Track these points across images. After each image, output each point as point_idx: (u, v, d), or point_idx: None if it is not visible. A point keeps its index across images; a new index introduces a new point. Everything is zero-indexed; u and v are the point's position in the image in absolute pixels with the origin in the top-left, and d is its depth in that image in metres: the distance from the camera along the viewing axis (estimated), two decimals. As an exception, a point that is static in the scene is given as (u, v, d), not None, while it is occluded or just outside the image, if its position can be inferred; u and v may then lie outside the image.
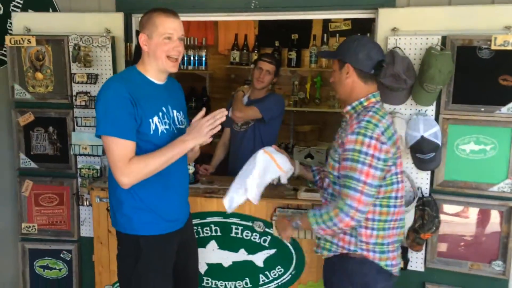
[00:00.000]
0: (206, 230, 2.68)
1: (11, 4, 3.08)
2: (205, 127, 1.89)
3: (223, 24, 5.01)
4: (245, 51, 4.89)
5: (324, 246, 2.00)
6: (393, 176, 1.87)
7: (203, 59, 4.96)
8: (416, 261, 2.63)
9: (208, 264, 2.71)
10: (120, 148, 1.84)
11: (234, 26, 4.96)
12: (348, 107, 1.95)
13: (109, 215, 2.36)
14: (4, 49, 3.10)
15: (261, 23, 4.92)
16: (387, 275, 1.92)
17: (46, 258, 3.10)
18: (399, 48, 2.52)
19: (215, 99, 5.21)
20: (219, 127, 1.93)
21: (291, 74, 4.97)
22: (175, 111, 2.07)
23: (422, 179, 2.58)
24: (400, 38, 2.53)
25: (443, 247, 2.64)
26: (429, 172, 2.57)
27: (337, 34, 4.54)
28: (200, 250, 2.68)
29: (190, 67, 4.92)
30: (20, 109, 3.00)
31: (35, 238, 3.10)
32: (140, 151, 1.90)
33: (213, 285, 2.71)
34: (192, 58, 4.89)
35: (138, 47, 3.01)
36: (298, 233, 2.48)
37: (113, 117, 1.85)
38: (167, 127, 1.99)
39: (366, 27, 4.14)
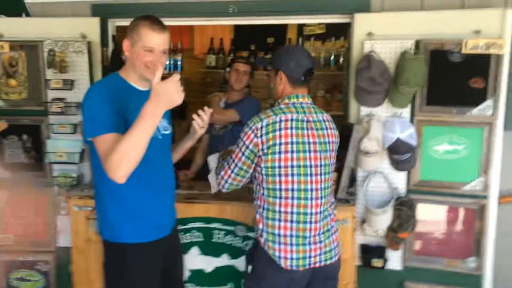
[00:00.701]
0: (188, 236, 2.67)
1: (-18, 9, 3.01)
2: (175, 90, 1.68)
3: (198, 28, 5.01)
4: (221, 55, 4.90)
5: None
6: (275, 169, 1.98)
7: (179, 63, 4.94)
8: (395, 260, 2.69)
9: (191, 270, 2.69)
10: (106, 144, 1.75)
11: (210, 30, 4.96)
12: None
13: (89, 224, 2.31)
14: (-25, 55, 3.02)
15: (237, 27, 4.94)
16: (277, 267, 1.99)
17: (22, 269, 3.03)
18: (375, 52, 2.58)
19: (192, 103, 5.17)
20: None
21: (267, 78, 5.00)
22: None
23: (399, 180, 2.65)
24: (375, 42, 2.59)
25: (419, 245, 2.71)
26: (405, 172, 2.64)
27: (312, 38, 4.61)
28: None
29: (165, 71, 4.86)
30: (-7, 117, 2.93)
31: (10, 249, 3.01)
32: None
33: (196, 291, 2.71)
34: (168, 62, 4.86)
35: (114, 52, 2.99)
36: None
37: (94, 118, 1.81)
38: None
39: (340, 29, 4.24)
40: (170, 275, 2.17)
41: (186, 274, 2.70)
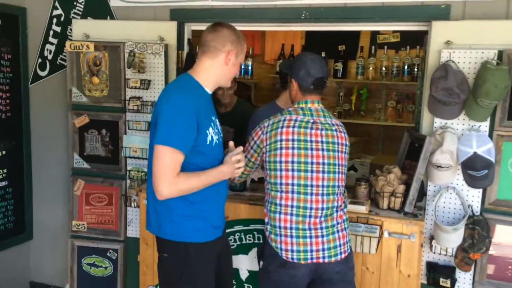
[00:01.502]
0: (249, 237, 2.70)
1: (72, 11, 3.25)
2: (235, 170, 2.07)
3: (270, 33, 5.07)
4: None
5: None
6: (276, 164, 2.08)
7: (249, 68, 5.02)
8: (464, 282, 2.55)
9: (249, 271, 2.72)
10: (173, 160, 1.84)
11: (281, 36, 5.00)
12: None
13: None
14: (63, 54, 3.27)
15: (308, 33, 4.94)
16: (280, 259, 2.08)
17: (93, 256, 3.22)
18: (453, 61, 2.47)
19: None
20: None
21: (337, 86, 4.95)
22: (217, 121, 2.13)
23: (473, 197, 2.50)
24: (454, 52, 2.48)
25: (493, 269, 2.54)
26: (480, 190, 2.49)
27: (385, 46, 4.50)
28: (242, 256, 2.71)
29: (236, 76, 4.97)
30: (76, 111, 3.14)
31: (84, 236, 3.22)
32: (194, 163, 1.93)
33: (254, 293, 2.73)
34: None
35: (189, 55, 3.10)
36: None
37: (178, 129, 1.85)
38: (217, 137, 2.05)
39: (415, 39, 4.10)
40: (221, 274, 2.20)
41: (245, 275, 2.73)
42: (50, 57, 3.36)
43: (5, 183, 3.30)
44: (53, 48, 3.34)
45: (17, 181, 3.40)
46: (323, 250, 2.06)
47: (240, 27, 3.08)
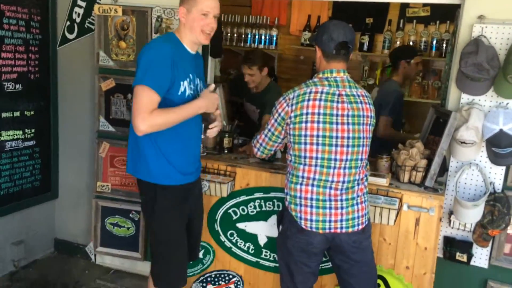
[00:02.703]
0: (269, 204, 2.75)
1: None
2: (215, 103, 2.26)
3: (297, 4, 4.99)
4: (316, 32, 4.84)
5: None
6: (301, 137, 2.08)
7: (274, 38, 4.98)
8: (480, 257, 2.56)
9: (268, 237, 2.78)
10: (148, 98, 2.04)
11: (308, 6, 4.92)
12: None
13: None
14: (91, 17, 3.30)
15: (336, 4, 4.84)
16: (298, 227, 2.13)
17: (117, 216, 3.32)
18: (484, 36, 2.42)
19: (283, 79, 5.23)
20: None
21: (362, 59, 4.88)
22: (198, 79, 2.32)
23: (496, 174, 2.49)
24: (486, 27, 2.43)
25: (509, 248, 2.55)
26: (504, 167, 2.47)
27: (414, 20, 4.40)
28: (261, 223, 2.77)
29: (260, 46, 4.96)
30: (103, 75, 3.19)
31: (108, 196, 3.31)
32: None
33: (271, 258, 2.79)
34: (263, 37, 4.93)
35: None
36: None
37: (152, 71, 2.06)
38: (192, 92, 2.24)
39: (445, 13, 4.00)
40: (191, 220, 2.45)
41: (263, 241, 2.79)
42: (78, 20, 3.39)
43: (33, 143, 3.40)
44: (81, 11, 3.37)
45: (44, 141, 3.49)
46: (341, 221, 2.10)
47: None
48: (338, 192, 2.10)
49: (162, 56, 2.08)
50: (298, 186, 2.14)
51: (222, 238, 2.86)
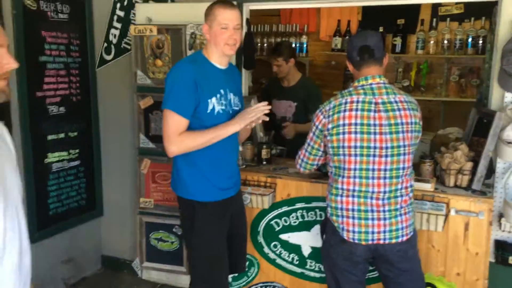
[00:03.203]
0: (311, 214, 2.74)
1: (134, -4, 3.35)
2: (248, 118, 2.21)
3: (325, 10, 4.99)
4: (347, 37, 4.82)
5: None
6: (339, 149, 2.07)
7: (304, 45, 4.98)
8: (536, 261, 2.47)
9: (312, 247, 2.76)
10: (175, 122, 2.13)
11: (337, 12, 4.91)
12: None
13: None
14: (128, 37, 3.39)
15: (365, 8, 4.81)
16: (340, 238, 2.11)
17: (161, 231, 3.37)
18: (526, 32, 2.35)
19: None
20: (262, 118, 2.26)
21: (395, 61, 4.81)
22: (231, 94, 2.32)
23: (547, 174, 2.40)
24: (527, 22, 2.36)
25: None
26: (554, 167, 2.38)
27: (448, 19, 4.31)
28: (304, 233, 2.77)
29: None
30: (141, 93, 3.26)
31: (151, 212, 3.37)
32: (192, 128, 2.18)
33: (317, 268, 2.77)
34: (293, 44, 4.93)
35: (247, 34, 3.13)
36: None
37: (175, 94, 2.14)
38: (223, 107, 2.25)
39: (480, 9, 3.90)
40: (234, 236, 2.46)
41: (308, 251, 2.78)
42: (115, 41, 3.49)
43: (78, 163, 3.51)
44: (117, 32, 3.47)
45: (88, 160, 3.60)
46: (384, 232, 2.07)
47: (296, 4, 3.12)
48: (380, 202, 2.07)
49: (184, 78, 2.15)
50: (339, 198, 2.13)
51: (266, 250, 2.86)
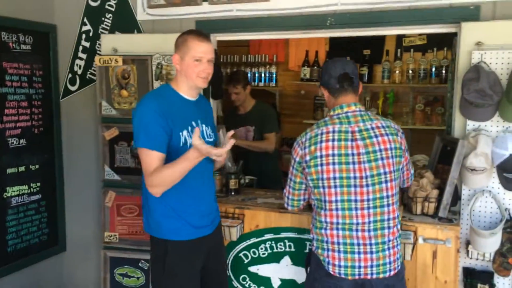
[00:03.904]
0: (280, 245, 2.69)
1: (100, 27, 3.33)
2: (211, 155, 1.98)
3: (294, 40, 5.06)
4: (315, 67, 4.90)
5: None
6: (319, 181, 2.01)
7: (274, 75, 5.03)
8: (503, 287, 2.47)
9: (281, 280, 2.70)
10: (149, 159, 2.03)
11: (305, 42, 4.99)
12: None
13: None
14: (93, 68, 3.35)
15: (333, 39, 4.91)
16: (325, 272, 2.02)
17: (126, 266, 3.25)
18: (484, 62, 2.42)
19: (285, 115, 5.26)
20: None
21: (363, 90, 4.88)
22: (204, 126, 2.25)
23: (510, 200, 2.43)
24: (485, 53, 2.43)
25: (533, 274, 2.46)
26: (518, 193, 2.42)
27: (411, 49, 4.44)
28: (273, 265, 2.71)
29: (260, 84, 5.01)
30: (106, 124, 3.19)
31: (116, 246, 3.25)
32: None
33: (287, 301, 2.70)
34: (263, 74, 4.98)
35: (215, 66, 3.12)
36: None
37: (145, 130, 2.05)
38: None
39: (442, 40, 4.03)
40: (212, 273, 2.32)
41: (277, 283, 2.71)
42: (79, 72, 3.44)
43: (39, 196, 3.38)
44: (82, 63, 3.42)
45: (50, 194, 3.47)
46: (371, 266, 1.98)
47: (265, 35, 3.13)
48: (366, 234, 1.98)
49: (150, 112, 2.05)
50: (323, 231, 2.04)
51: (235, 283, 2.78)
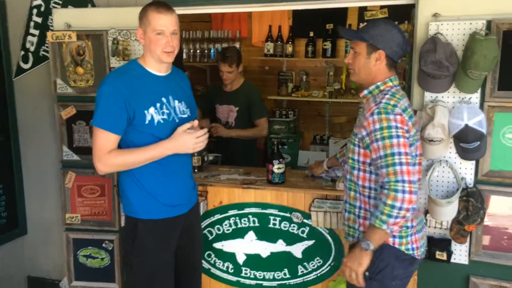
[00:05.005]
0: (244, 221, 2.69)
1: (52, 1, 3.18)
2: (192, 144, 2.02)
3: (257, 15, 5.00)
4: (279, 42, 4.86)
5: (348, 232, 2.03)
6: (413, 158, 1.85)
7: (237, 51, 4.95)
8: (460, 254, 2.56)
9: (246, 255, 2.72)
10: (102, 139, 1.98)
11: (268, 17, 4.94)
12: (365, 91, 1.99)
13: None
14: (46, 45, 3.20)
15: (296, 13, 4.88)
16: (407, 261, 1.91)
17: (89, 247, 3.19)
18: (441, 34, 2.43)
19: (250, 91, 5.20)
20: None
21: (326, 65, 4.91)
22: (176, 101, 2.16)
23: (466, 169, 2.50)
24: (442, 24, 2.45)
25: (488, 240, 2.55)
26: (473, 162, 2.48)
27: (374, 23, 4.45)
28: (238, 240, 2.72)
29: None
30: (62, 103, 3.07)
31: (78, 228, 3.18)
32: (138, 142, 2.04)
33: (252, 276, 2.73)
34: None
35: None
36: (337, 222, 2.46)
37: (101, 110, 1.98)
38: (165, 117, 2.08)
39: (402, 14, 4.05)
40: (187, 253, 2.27)
41: (242, 258, 2.73)
42: (32, 49, 3.29)
43: (-5, 179, 3.26)
44: (35, 39, 3.27)
45: (7, 176, 3.35)
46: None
47: (226, 9, 3.06)
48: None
49: (109, 92, 1.99)
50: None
51: (200, 260, 2.78)
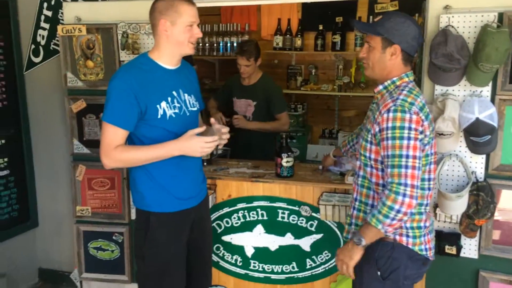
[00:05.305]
0: (253, 214, 2.70)
1: (62, -5, 3.19)
2: (200, 148, 1.99)
3: (266, 8, 4.98)
4: (288, 35, 4.84)
5: (350, 230, 2.01)
6: (428, 157, 1.84)
7: (246, 45, 4.94)
8: (470, 248, 2.54)
9: (255, 248, 2.73)
10: (111, 134, 1.98)
11: (277, 10, 4.91)
12: (380, 87, 1.94)
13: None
14: (56, 38, 3.22)
15: (305, 6, 4.85)
16: (420, 261, 1.89)
17: (100, 240, 3.22)
18: (452, 26, 2.41)
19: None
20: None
21: (335, 58, 4.88)
22: (186, 95, 2.16)
23: (477, 163, 2.48)
24: (453, 16, 2.42)
25: (498, 234, 2.53)
26: (484, 156, 2.46)
27: (384, 16, 4.41)
28: (247, 234, 2.73)
29: (232, 53, 4.92)
30: (72, 97, 3.10)
31: (89, 220, 3.21)
32: (150, 136, 2.05)
33: (260, 269, 2.74)
34: (235, 44, 4.89)
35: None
36: (346, 216, 2.45)
37: (112, 105, 1.99)
38: (176, 111, 2.09)
39: (413, 7, 4.01)
40: (198, 245, 2.28)
41: (250, 252, 2.74)
42: (43, 42, 3.31)
43: (7, 172, 3.30)
44: (45, 33, 3.29)
45: (19, 169, 3.39)
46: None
47: (234, 2, 3.07)
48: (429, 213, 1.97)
49: (120, 87, 1.98)
50: (423, 216, 1.88)
51: (209, 252, 2.80)
